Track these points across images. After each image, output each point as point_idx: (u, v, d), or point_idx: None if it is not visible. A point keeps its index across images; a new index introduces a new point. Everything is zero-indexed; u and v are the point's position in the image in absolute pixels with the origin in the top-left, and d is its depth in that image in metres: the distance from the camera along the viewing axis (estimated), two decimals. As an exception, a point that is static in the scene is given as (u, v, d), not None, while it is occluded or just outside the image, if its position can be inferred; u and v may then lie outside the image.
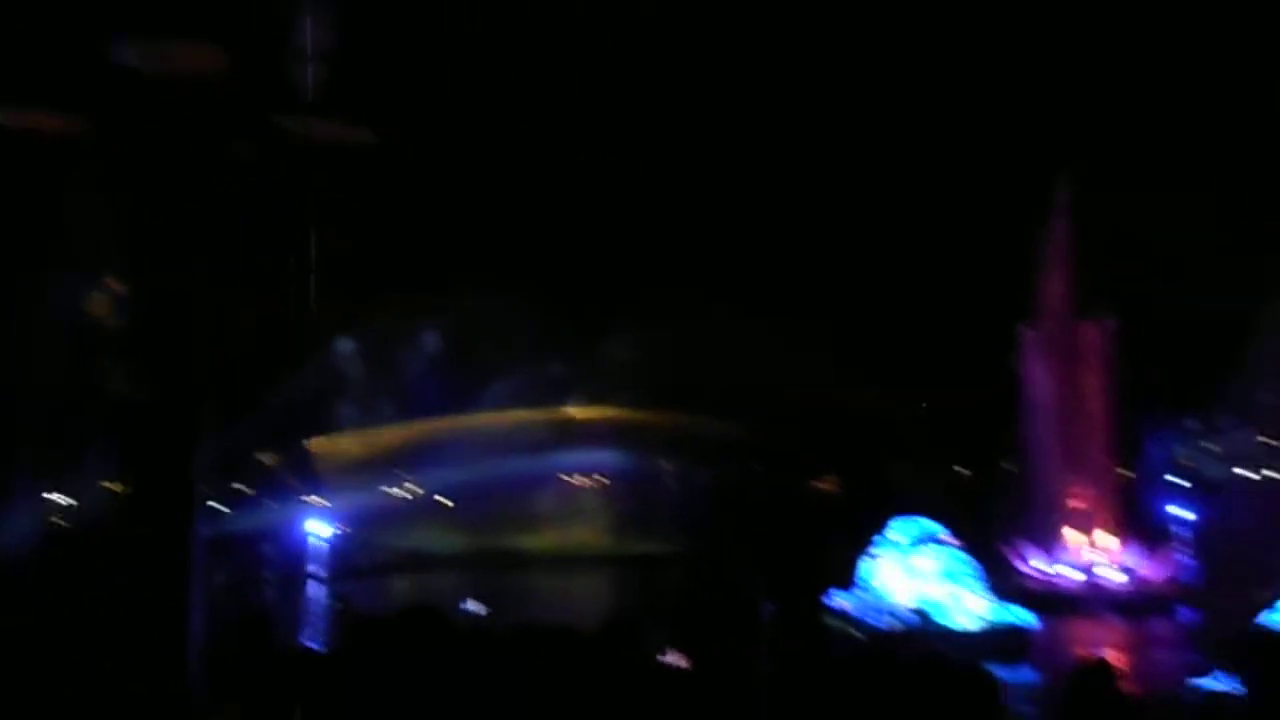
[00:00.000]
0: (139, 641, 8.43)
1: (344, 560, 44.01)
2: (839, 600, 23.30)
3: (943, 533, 23.50)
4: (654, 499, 56.27)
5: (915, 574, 22.42)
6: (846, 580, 23.78)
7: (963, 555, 23.06)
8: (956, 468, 54.72)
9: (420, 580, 38.95)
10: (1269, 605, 24.31)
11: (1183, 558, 32.97)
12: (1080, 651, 21.53)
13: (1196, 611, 29.00)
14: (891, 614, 21.98)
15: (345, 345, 59.20)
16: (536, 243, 58.76)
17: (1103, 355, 34.84)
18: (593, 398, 59.34)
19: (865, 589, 23.24)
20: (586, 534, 51.06)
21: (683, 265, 58.58)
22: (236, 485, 69.55)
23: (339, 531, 53.61)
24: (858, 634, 20.07)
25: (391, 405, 61.11)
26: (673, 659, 7.01)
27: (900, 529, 23.70)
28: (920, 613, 21.90)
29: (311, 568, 42.98)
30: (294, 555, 45.25)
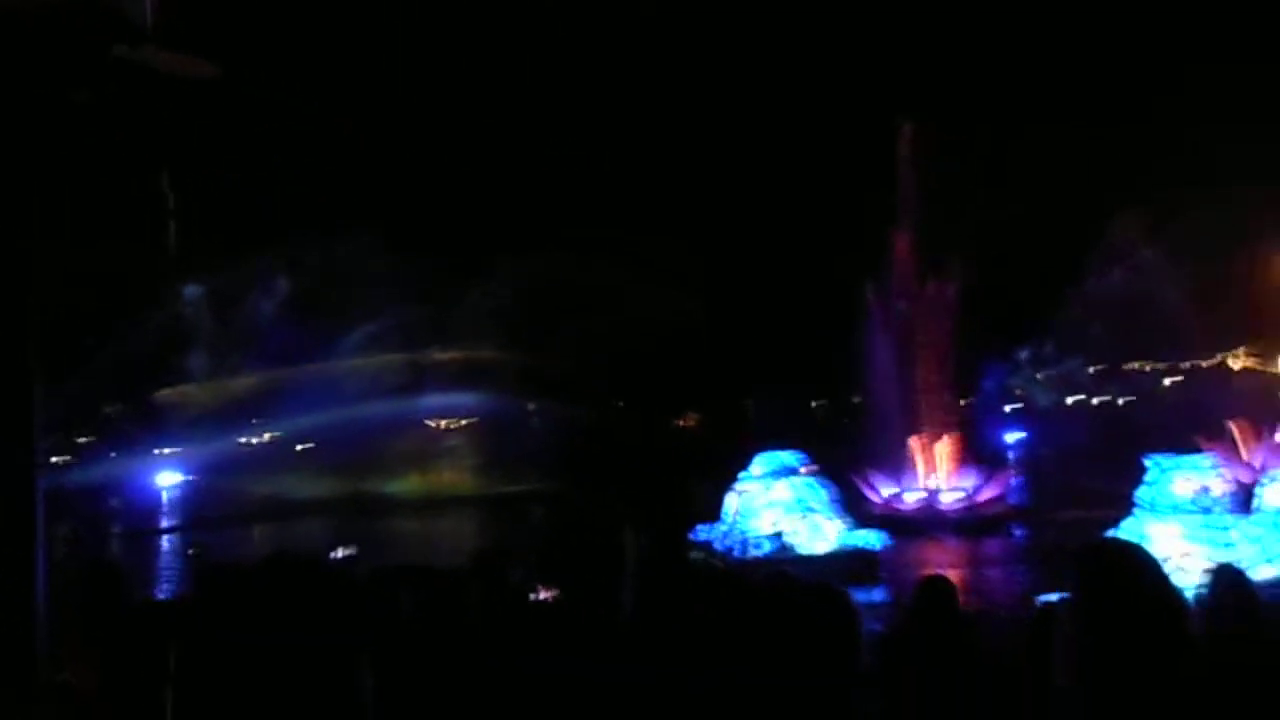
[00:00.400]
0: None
1: (197, 510, 42.57)
2: (703, 533, 23.67)
3: (800, 464, 24.11)
4: (517, 439, 56.17)
5: (774, 505, 23.05)
6: (710, 513, 24.20)
7: (817, 484, 23.76)
8: (812, 401, 56.60)
9: (283, 528, 37.89)
10: (1095, 523, 26.05)
11: (1015, 480, 34.71)
12: (923, 571, 22.49)
13: (1028, 530, 30.55)
14: (752, 544, 22.63)
15: (194, 292, 56.71)
16: (396, 189, 57.33)
17: (946, 302, 36.07)
18: (454, 341, 58.59)
19: (728, 521, 23.70)
20: (451, 476, 50.72)
21: (545, 210, 58.27)
22: (81, 438, 66.42)
23: (190, 481, 51.86)
24: (720, 564, 20.49)
25: (247, 353, 58.99)
26: (542, 594, 7.10)
27: (760, 462, 24.14)
28: (778, 540, 22.63)
29: (164, 520, 41.49)
30: (143, 506, 43.56)
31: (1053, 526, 27.16)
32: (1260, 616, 4.55)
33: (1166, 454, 18.71)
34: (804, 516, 23.01)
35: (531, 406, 67.70)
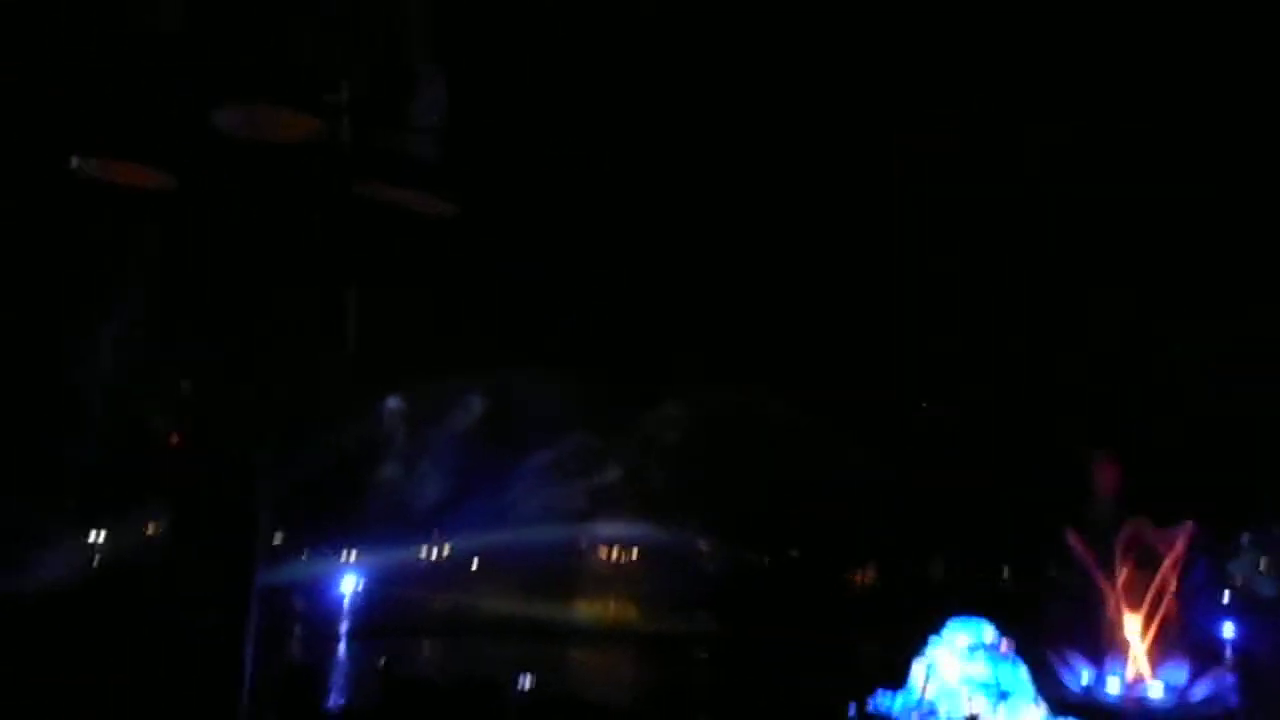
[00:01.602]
0: (197, 684, 8.53)
1: (377, 618, 43.93)
2: (884, 700, 22.64)
3: (998, 639, 22.72)
4: (686, 576, 55.77)
5: (968, 681, 21.73)
6: (892, 679, 23.16)
7: (1018, 666, 22.37)
8: (1002, 569, 53.81)
9: (461, 645, 38.68)
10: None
11: (1227, 678, 32.05)
12: None
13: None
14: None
15: (390, 404, 59.83)
16: (572, 320, 59.36)
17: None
18: (631, 472, 59.27)
19: (914, 692, 22.55)
20: (622, 609, 50.70)
21: (713, 345, 58.78)
22: (277, 537, 69.99)
23: (372, 588, 53.67)
24: None
25: (432, 468, 61.45)
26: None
27: (955, 631, 23.07)
28: None
29: (344, 624, 42.96)
30: (330, 610, 45.27)
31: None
32: None
33: None
34: (1002, 699, 21.63)
35: (703, 544, 67.23)
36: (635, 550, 61.81)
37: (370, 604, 49.70)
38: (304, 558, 66.10)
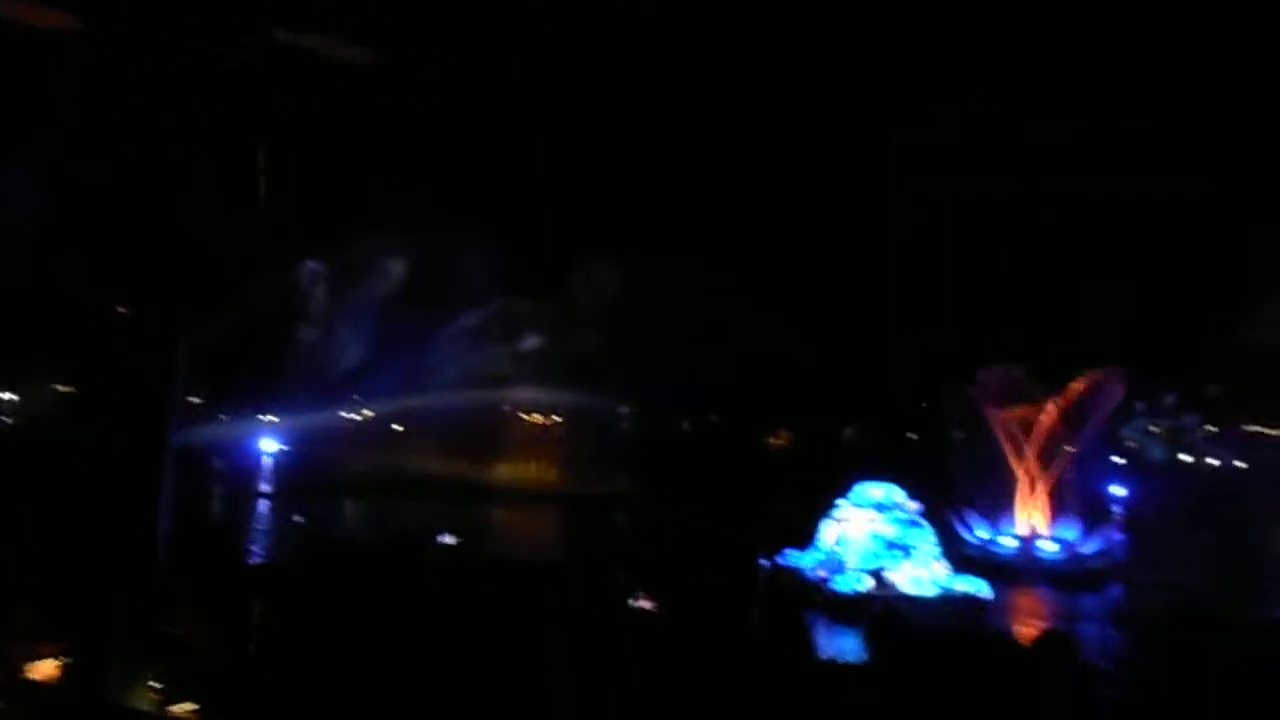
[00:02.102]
0: (109, 543, 8.41)
1: (297, 478, 43.80)
2: (793, 558, 22.85)
3: (904, 499, 23.44)
4: (609, 441, 56.46)
5: (876, 539, 22.38)
6: (803, 538, 23.44)
7: (922, 522, 23.19)
8: (908, 433, 55.45)
9: (381, 506, 38.80)
10: (1189, 588, 24.97)
11: (1116, 535, 33.55)
12: (1020, 621, 21.82)
13: (1124, 588, 29.60)
14: (851, 576, 21.92)
15: (310, 266, 58.41)
16: (504, 183, 58.11)
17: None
18: (554, 338, 59.13)
19: (823, 550, 22.88)
20: (540, 470, 51.22)
21: (647, 212, 58.32)
22: (191, 398, 68.80)
23: (293, 449, 53.39)
24: (816, 594, 20.00)
25: (353, 330, 60.55)
26: (643, 602, 7.14)
27: (862, 493, 23.38)
28: (879, 577, 21.92)
29: (263, 484, 42.83)
30: (249, 471, 44.99)
31: (1149, 589, 26.29)
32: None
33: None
34: (907, 555, 22.37)
35: (625, 410, 67.90)
36: (558, 414, 62.17)
37: (291, 465, 49.52)
38: (223, 419, 65.28)
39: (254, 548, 21.34)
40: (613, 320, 59.64)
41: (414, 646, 5.18)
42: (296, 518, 27.66)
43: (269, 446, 52.85)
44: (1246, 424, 52.93)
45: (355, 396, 60.17)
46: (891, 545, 22.39)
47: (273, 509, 30.15)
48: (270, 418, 60.25)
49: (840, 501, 23.68)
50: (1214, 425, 54.07)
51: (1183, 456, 56.72)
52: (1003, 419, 35.37)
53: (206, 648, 6.57)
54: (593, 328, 59.65)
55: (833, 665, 3.31)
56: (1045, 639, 5.17)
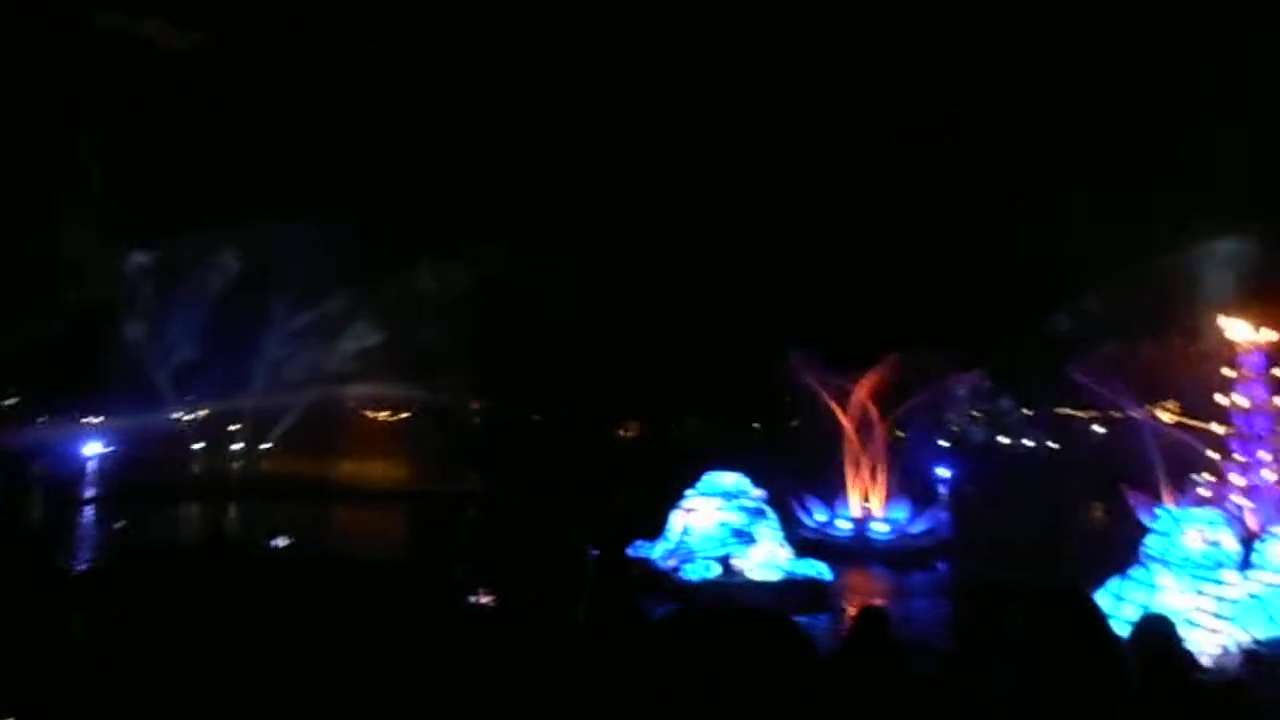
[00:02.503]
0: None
1: (126, 483, 41.54)
2: (643, 549, 23.02)
3: (749, 486, 23.74)
4: (458, 436, 55.76)
5: (723, 527, 22.63)
6: (653, 529, 23.60)
7: (766, 509, 23.51)
8: (753, 423, 56.89)
9: (215, 509, 37.15)
10: (1008, 561, 26.42)
11: (942, 514, 35.19)
12: (854, 600, 22.57)
13: (950, 564, 31.02)
14: (700, 566, 22.12)
15: (139, 261, 55.49)
16: (344, 174, 56.71)
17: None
18: (399, 332, 57.96)
19: (674, 539, 23.05)
20: (387, 468, 50.09)
21: (494, 204, 57.97)
22: (8, 400, 64.50)
23: (117, 452, 50.61)
24: (666, 583, 20.09)
25: (183, 326, 57.84)
26: (482, 597, 7.05)
27: (709, 482, 23.63)
28: (726, 564, 22.18)
29: (87, 488, 40.44)
30: (69, 474, 42.42)
31: (977, 563, 27.56)
32: (1184, 667, 4.67)
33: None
34: (753, 542, 22.71)
35: (475, 405, 67.17)
36: (404, 411, 61.01)
37: (117, 468, 46.98)
38: (41, 421, 61.30)
39: (73, 556, 20.07)
40: (459, 314, 58.93)
41: (237, 652, 4.95)
42: (118, 524, 26.17)
43: (93, 449, 50.03)
44: (1058, 407, 56.50)
45: (188, 395, 57.54)
46: (738, 533, 22.67)
47: (96, 515, 28.42)
48: (95, 419, 57.09)
49: (688, 491, 23.73)
50: (1029, 409, 57.52)
51: (1001, 439, 60.17)
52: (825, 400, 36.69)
53: (21, 661, 6.11)
54: (439, 322, 58.77)
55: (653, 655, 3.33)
56: (860, 616, 5.33)
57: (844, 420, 36.65)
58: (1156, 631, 4.74)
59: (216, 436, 56.62)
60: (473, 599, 6.92)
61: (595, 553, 3.55)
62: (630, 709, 3.16)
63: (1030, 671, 2.85)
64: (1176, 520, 17.04)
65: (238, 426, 56.33)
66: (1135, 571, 16.34)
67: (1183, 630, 16.12)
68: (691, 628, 3.72)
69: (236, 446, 55.72)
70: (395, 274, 58.52)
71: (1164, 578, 15.98)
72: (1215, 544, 16.14)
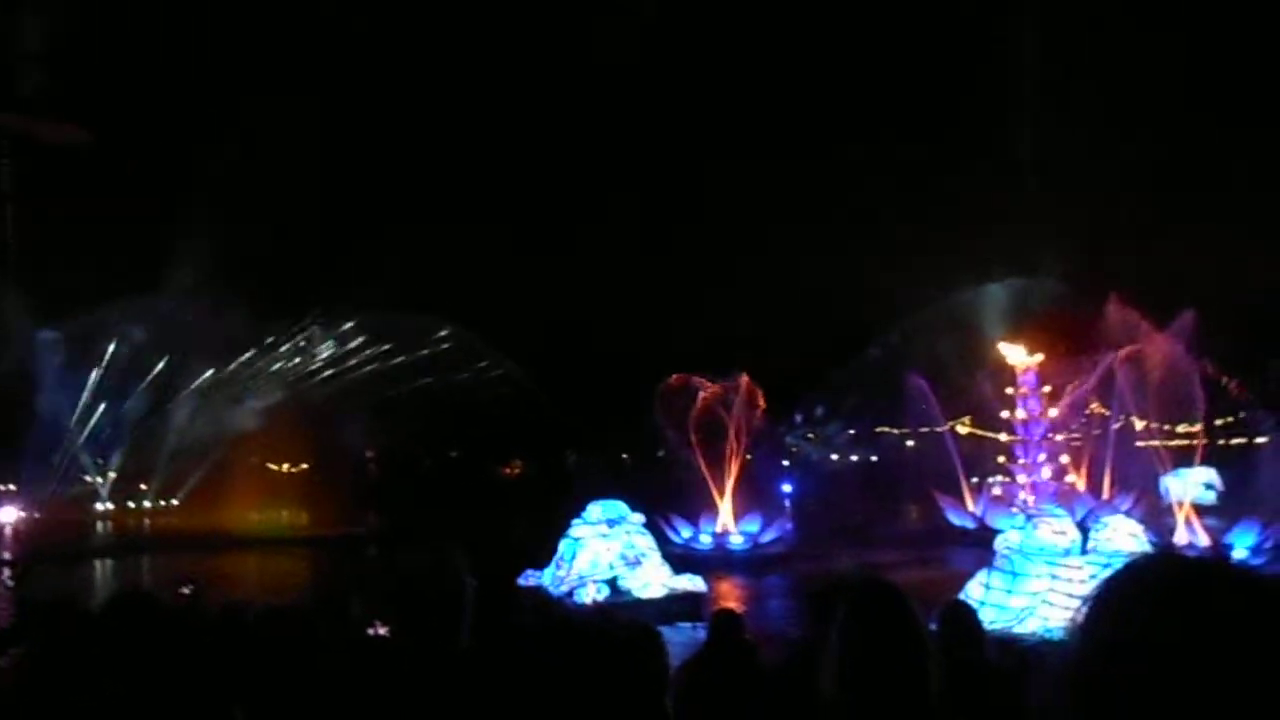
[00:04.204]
0: None
1: (35, 544, 38.49)
2: (533, 578, 22.55)
3: (629, 513, 23.17)
4: (356, 483, 54.02)
5: (609, 551, 22.06)
6: (540, 558, 23.06)
7: (645, 532, 23.11)
8: (623, 454, 56.98)
9: (122, 565, 34.75)
10: (853, 559, 27.07)
11: (788, 524, 35.89)
12: (717, 606, 22.47)
13: (799, 566, 31.56)
14: (593, 589, 21.56)
15: (44, 335, 52.21)
16: (235, 241, 54.72)
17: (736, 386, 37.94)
18: (295, 390, 56.05)
19: (564, 566, 22.40)
20: (290, 516, 48.02)
21: (369, 265, 56.91)
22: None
23: (29, 517, 47.17)
24: (555, 609, 19.46)
25: (92, 394, 54.61)
26: (380, 629, 6.79)
27: (595, 510, 22.94)
28: (614, 586, 21.68)
29: (4, 552, 37.31)
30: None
31: (819, 564, 28.11)
32: (983, 653, 4.87)
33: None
34: (637, 563, 22.35)
35: (370, 454, 65.33)
36: (304, 462, 58.90)
37: (29, 532, 43.62)
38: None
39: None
40: (348, 369, 57.46)
41: (149, 702, 4.59)
42: (8, 581, 24.07)
43: (8, 515, 46.50)
44: (877, 427, 58.63)
45: (98, 460, 54.23)
46: (622, 556, 22.17)
47: (11, 576, 26.16)
48: (8, 486, 53.39)
49: (574, 521, 23.14)
50: (853, 429, 59.45)
51: (833, 455, 61.93)
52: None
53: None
54: (330, 378, 57.18)
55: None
56: (715, 617, 5.38)
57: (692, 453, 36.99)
58: (958, 614, 4.93)
59: (125, 495, 53.51)
60: (370, 631, 6.66)
61: (474, 582, 3.46)
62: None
63: (845, 653, 2.92)
64: (1030, 518, 17.88)
65: (146, 485, 53.39)
66: (999, 562, 16.82)
67: (1041, 609, 16.53)
68: (558, 639, 3.69)
69: (146, 504, 52.73)
70: (289, 336, 56.78)
71: (1022, 566, 16.49)
72: (1062, 533, 16.96)
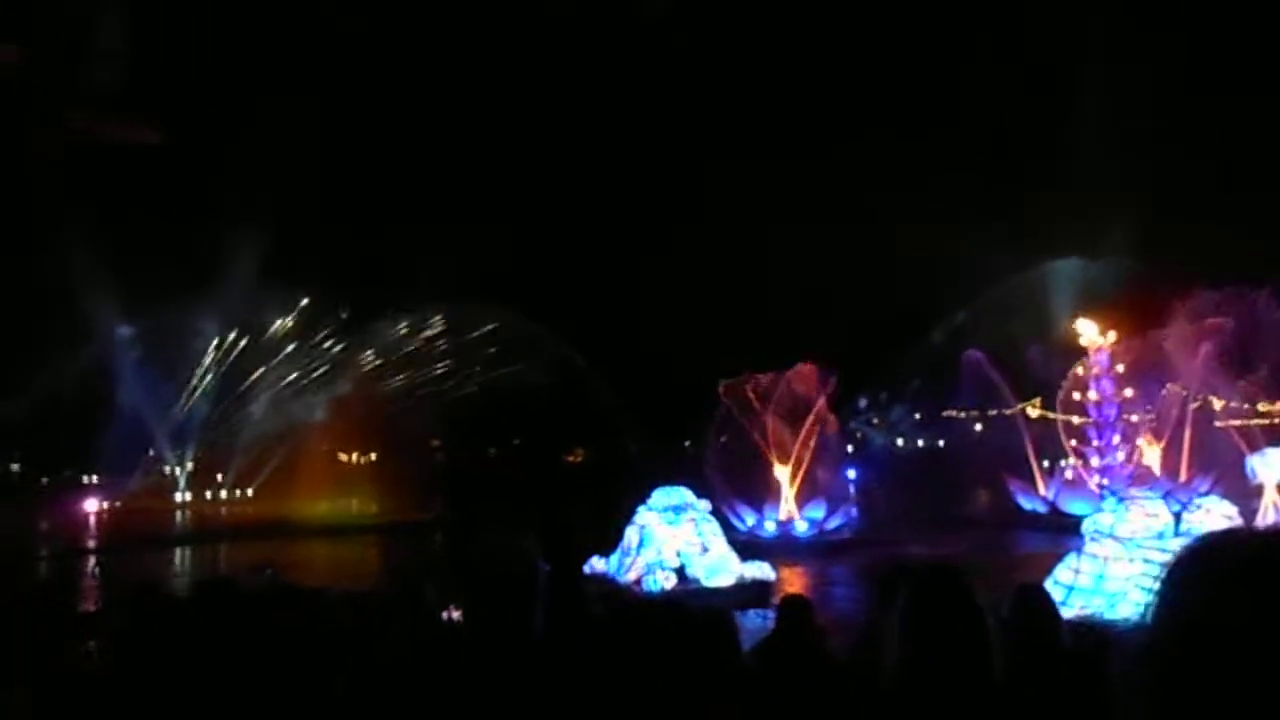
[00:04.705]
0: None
1: (122, 533, 40.07)
2: (599, 565, 22.23)
3: (695, 500, 22.82)
4: (423, 471, 54.99)
5: (675, 539, 21.77)
6: (606, 545, 22.77)
7: (711, 519, 22.76)
8: (685, 442, 57.03)
9: (204, 551, 36.00)
10: (921, 549, 26.66)
11: (853, 510, 35.53)
12: (784, 591, 22.24)
13: (864, 552, 31.24)
14: (656, 577, 21.29)
15: (125, 332, 54.15)
16: (308, 239, 56.08)
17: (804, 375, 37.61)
18: (364, 383, 57.26)
19: (630, 554, 22.15)
20: (360, 504, 49.13)
21: (442, 267, 57.70)
22: (13, 465, 62.35)
23: (117, 506, 49.09)
24: (623, 597, 19.31)
25: (170, 388, 56.56)
26: (454, 613, 6.94)
27: (660, 497, 22.69)
28: (681, 574, 21.34)
29: (89, 540, 38.95)
30: (77, 528, 40.92)
31: (887, 549, 27.82)
32: (1057, 635, 4.78)
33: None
34: (705, 550, 21.97)
35: (436, 442, 66.44)
36: (372, 451, 60.20)
37: (115, 520, 45.44)
38: (44, 482, 59.23)
39: (79, 599, 19.31)
40: (415, 364, 58.44)
41: (238, 682, 4.79)
42: (94, 569, 25.05)
43: (92, 506, 48.46)
44: (943, 410, 57.67)
45: (176, 451, 56.21)
46: (689, 543, 21.87)
47: (98, 564, 27.34)
48: (92, 478, 55.75)
49: (639, 508, 22.80)
50: (918, 414, 58.56)
51: (898, 441, 61.12)
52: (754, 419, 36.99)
53: (34, 706, 5.84)
54: (397, 372, 58.24)
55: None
56: (784, 604, 5.37)
57: (769, 424, 36.69)
58: (1030, 597, 4.85)
59: (203, 486, 55.33)
60: (445, 616, 6.81)
61: (547, 568, 3.51)
62: (586, 709, 3.15)
63: (907, 635, 2.92)
64: (1120, 500, 17.36)
65: (222, 476, 55.12)
66: (1088, 546, 16.33)
67: (1134, 594, 15.97)
68: (632, 627, 3.73)
69: (222, 494, 54.45)
70: (359, 331, 57.98)
71: (1108, 549, 16.00)
72: (1155, 515, 16.40)
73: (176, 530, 45.50)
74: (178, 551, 36.89)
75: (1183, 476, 37.96)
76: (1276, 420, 35.55)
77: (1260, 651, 1.05)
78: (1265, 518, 29.84)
